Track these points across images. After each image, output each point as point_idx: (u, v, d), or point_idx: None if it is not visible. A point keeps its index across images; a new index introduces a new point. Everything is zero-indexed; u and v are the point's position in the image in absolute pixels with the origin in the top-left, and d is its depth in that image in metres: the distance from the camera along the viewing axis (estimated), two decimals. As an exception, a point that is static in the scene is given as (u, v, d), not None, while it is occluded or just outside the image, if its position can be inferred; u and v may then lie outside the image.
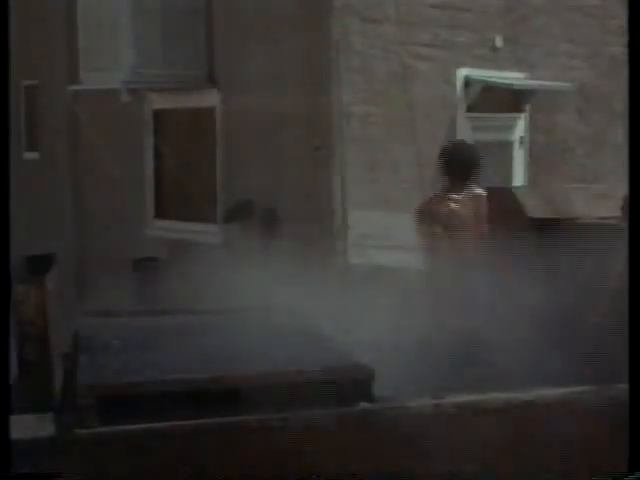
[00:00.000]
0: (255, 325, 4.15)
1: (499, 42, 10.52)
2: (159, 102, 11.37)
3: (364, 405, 3.26)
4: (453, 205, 6.18)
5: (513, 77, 10.57)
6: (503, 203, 5.35)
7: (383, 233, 7.73)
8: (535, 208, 4.71)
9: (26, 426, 2.98)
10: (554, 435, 3.37)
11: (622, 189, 3.39)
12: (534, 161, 10.98)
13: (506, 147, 10.92)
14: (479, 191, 6.25)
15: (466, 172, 6.27)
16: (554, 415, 3.40)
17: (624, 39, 3.19)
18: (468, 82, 10.28)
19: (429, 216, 6.23)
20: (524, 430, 3.36)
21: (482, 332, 4.08)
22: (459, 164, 6.31)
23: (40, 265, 3.41)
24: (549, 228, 4.45)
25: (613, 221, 4.11)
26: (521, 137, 10.98)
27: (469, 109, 10.39)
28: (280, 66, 9.74)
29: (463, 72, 10.27)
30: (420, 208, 6.42)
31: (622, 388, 3.06)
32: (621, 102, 3.22)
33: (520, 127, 10.97)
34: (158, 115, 11.53)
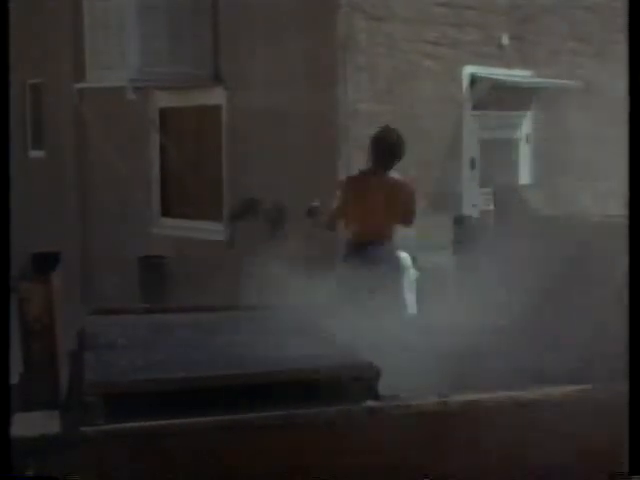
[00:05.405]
0: (261, 323, 4.15)
1: (505, 40, 10.51)
2: (165, 100, 11.38)
3: (370, 403, 3.26)
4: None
5: (519, 75, 10.57)
6: (509, 201, 5.35)
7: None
8: (541, 206, 4.71)
9: (32, 423, 2.99)
10: (559, 432, 3.37)
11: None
12: (540, 159, 10.97)
13: (512, 145, 10.91)
14: (400, 180, 6.81)
15: (388, 161, 6.80)
16: (559, 413, 3.40)
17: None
18: (474, 80, 10.28)
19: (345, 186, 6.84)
20: (530, 427, 3.36)
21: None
22: (383, 152, 6.81)
23: (45, 263, 3.41)
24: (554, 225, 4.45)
25: (619, 219, 4.10)
26: (527, 135, 10.98)
27: (475, 107, 10.38)
28: (286, 64, 9.74)
29: (469, 70, 10.26)
30: (344, 179, 7.17)
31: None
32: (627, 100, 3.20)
33: (526, 125, 10.97)
34: (164, 113, 11.54)
